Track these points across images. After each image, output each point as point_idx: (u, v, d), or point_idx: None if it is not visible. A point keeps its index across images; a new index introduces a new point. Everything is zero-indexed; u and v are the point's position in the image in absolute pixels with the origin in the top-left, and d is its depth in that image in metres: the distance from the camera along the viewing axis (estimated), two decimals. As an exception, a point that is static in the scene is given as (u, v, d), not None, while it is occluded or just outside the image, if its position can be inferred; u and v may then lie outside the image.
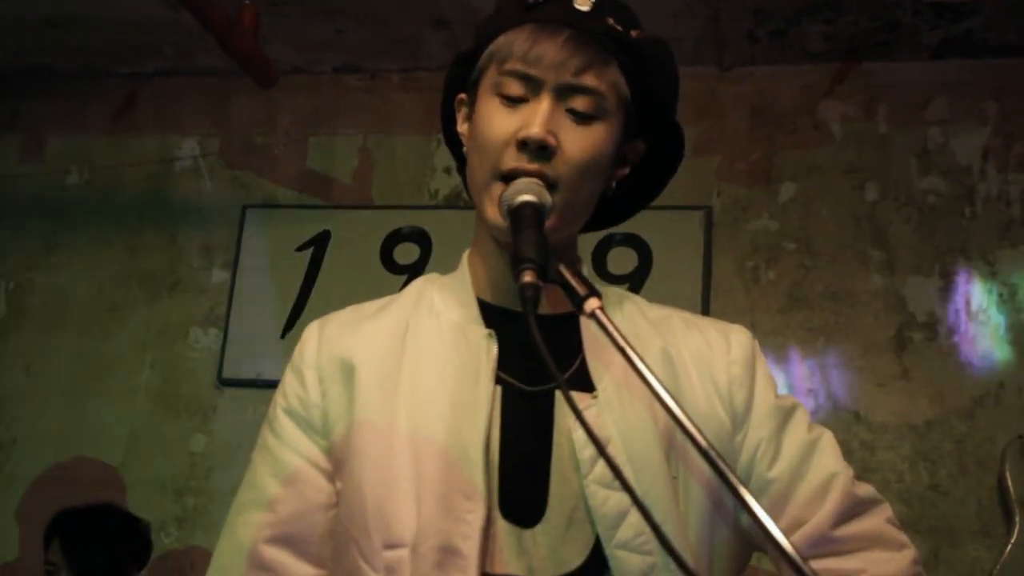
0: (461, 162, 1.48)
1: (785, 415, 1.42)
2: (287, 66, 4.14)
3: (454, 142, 1.49)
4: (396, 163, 4.13)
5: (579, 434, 1.29)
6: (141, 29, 4.05)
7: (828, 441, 1.42)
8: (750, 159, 3.90)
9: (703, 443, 1.04)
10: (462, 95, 1.45)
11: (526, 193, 1.28)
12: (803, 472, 1.38)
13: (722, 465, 1.02)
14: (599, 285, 1.42)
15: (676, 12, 3.69)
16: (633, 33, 1.37)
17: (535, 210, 1.27)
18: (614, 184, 1.42)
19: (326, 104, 4.29)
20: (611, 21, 1.36)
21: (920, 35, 3.73)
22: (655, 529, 1.04)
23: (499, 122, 1.33)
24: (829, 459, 1.40)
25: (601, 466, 1.27)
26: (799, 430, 1.42)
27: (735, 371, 1.41)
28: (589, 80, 1.32)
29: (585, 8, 1.35)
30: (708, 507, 1.33)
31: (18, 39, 4.19)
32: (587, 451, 1.28)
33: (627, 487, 1.06)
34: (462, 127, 1.44)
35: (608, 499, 1.27)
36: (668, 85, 1.43)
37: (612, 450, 1.27)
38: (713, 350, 1.43)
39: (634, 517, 1.26)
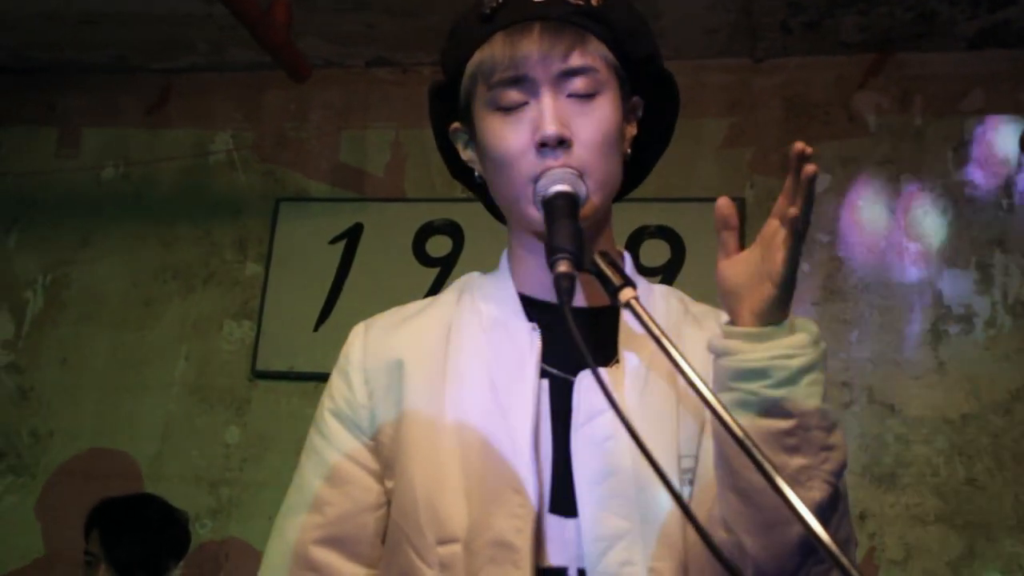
0: (472, 187, 1.48)
1: None
2: (319, 60, 4.15)
3: (459, 171, 1.49)
4: (428, 156, 4.13)
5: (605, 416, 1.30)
6: (175, 24, 4.07)
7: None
8: (783, 151, 3.87)
9: (738, 432, 1.03)
10: (455, 125, 1.45)
11: (560, 183, 1.28)
12: None
13: (755, 451, 1.02)
14: (643, 281, 1.43)
15: (709, 4, 3.67)
16: (593, 2, 1.37)
17: (569, 199, 1.27)
18: (629, 148, 1.42)
19: (358, 97, 4.30)
20: None
21: (956, 25, 3.69)
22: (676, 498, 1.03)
23: (509, 134, 1.33)
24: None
25: (597, 426, 1.29)
26: None
27: None
28: (577, 60, 1.32)
29: None
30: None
31: (54, 34, 4.23)
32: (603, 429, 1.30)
33: (653, 463, 1.05)
34: (465, 154, 1.45)
35: (593, 457, 1.28)
36: (646, 38, 1.44)
37: (622, 443, 1.27)
38: None
39: (615, 480, 1.27)
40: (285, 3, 3.51)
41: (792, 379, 1.14)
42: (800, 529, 1.13)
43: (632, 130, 1.43)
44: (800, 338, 1.17)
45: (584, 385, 1.32)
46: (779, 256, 1.15)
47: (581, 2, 1.36)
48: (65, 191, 4.42)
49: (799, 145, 1.11)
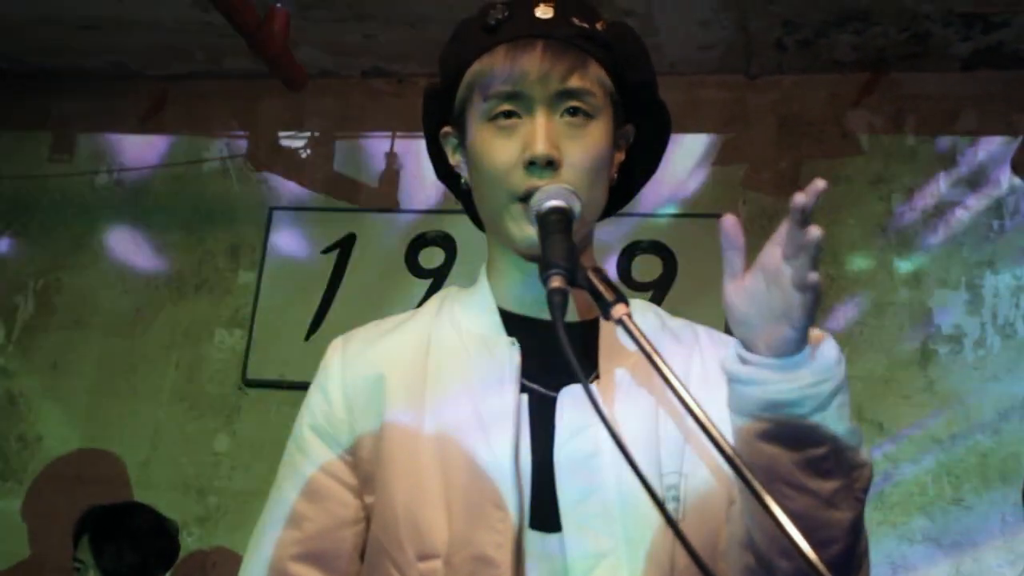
0: (457, 192, 1.48)
1: None
2: (316, 69, 4.16)
3: (446, 174, 1.49)
4: (422, 167, 4.12)
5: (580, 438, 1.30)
6: (172, 31, 4.07)
7: None
8: (777, 168, 3.89)
9: (726, 447, 1.03)
10: (446, 128, 1.45)
11: (556, 198, 1.28)
12: None
13: (740, 464, 1.02)
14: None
15: (704, 20, 3.69)
16: (598, 26, 1.38)
17: (564, 215, 1.27)
18: (615, 173, 1.42)
19: (354, 107, 4.31)
20: (576, 20, 1.36)
21: (950, 46, 3.71)
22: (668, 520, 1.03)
23: (499, 148, 1.33)
24: None
25: (578, 444, 1.29)
26: None
27: None
28: (575, 82, 1.32)
29: (549, 15, 1.35)
30: (711, 513, 1.32)
31: (50, 39, 4.23)
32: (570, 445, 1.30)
33: (640, 477, 1.05)
34: (454, 159, 1.44)
35: (576, 474, 1.28)
36: (645, 66, 1.43)
37: (606, 459, 1.27)
38: None
39: (597, 498, 1.26)
40: (282, 13, 3.52)
41: (823, 405, 1.12)
42: (840, 548, 1.13)
43: (620, 156, 1.43)
44: (826, 360, 1.13)
45: (567, 402, 1.32)
46: (797, 304, 1.09)
47: (586, 25, 1.36)
48: (58, 196, 4.42)
49: (799, 200, 1.09)
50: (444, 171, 1.50)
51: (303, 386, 1.46)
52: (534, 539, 1.27)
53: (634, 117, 1.44)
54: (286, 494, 1.40)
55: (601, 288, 1.20)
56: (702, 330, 1.48)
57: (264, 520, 1.42)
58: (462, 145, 1.41)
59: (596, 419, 1.10)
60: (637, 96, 1.42)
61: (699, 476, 1.31)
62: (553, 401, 1.33)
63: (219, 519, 3.87)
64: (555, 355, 1.13)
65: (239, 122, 4.40)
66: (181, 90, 4.47)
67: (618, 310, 1.18)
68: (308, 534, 1.37)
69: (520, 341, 1.37)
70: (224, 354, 4.08)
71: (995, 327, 3.59)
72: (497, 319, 1.40)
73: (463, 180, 1.43)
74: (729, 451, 1.03)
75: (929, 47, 3.73)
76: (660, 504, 1.03)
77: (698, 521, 1.29)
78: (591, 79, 1.34)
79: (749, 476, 1.01)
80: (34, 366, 4.22)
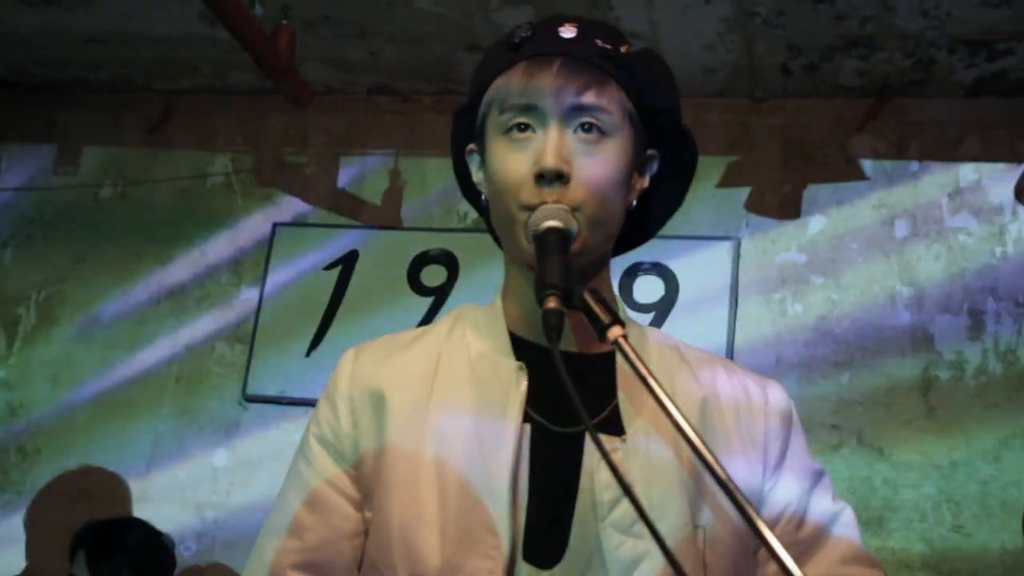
0: (481, 211, 1.48)
1: (814, 479, 1.42)
2: (321, 86, 4.17)
3: (472, 194, 1.49)
4: (426, 185, 4.15)
5: (601, 476, 1.28)
6: (178, 46, 4.09)
7: (851, 516, 1.43)
8: (780, 191, 3.89)
9: (732, 487, 1.03)
10: (471, 146, 1.45)
11: (552, 219, 1.27)
12: (825, 541, 1.39)
13: (749, 510, 1.01)
14: (635, 322, 1.42)
15: (710, 44, 3.70)
16: (623, 48, 1.38)
17: (561, 235, 1.26)
18: (635, 199, 1.41)
19: (358, 125, 4.32)
20: (599, 42, 1.36)
21: (954, 73, 3.72)
22: (675, 567, 1.03)
23: (512, 161, 1.33)
24: (852, 532, 1.41)
25: (620, 510, 1.27)
26: (825, 498, 1.42)
27: (772, 424, 1.41)
28: (590, 98, 1.32)
29: (572, 35, 1.36)
30: (734, 559, 1.32)
31: (57, 52, 4.25)
32: (607, 494, 1.27)
33: (651, 527, 1.05)
34: (477, 176, 1.44)
35: (623, 544, 1.26)
36: (667, 92, 1.43)
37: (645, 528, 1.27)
38: (751, 400, 1.42)
39: (648, 565, 1.25)
40: (288, 29, 3.53)
41: None
42: None
43: (642, 183, 1.42)
44: None
45: (602, 463, 1.28)
46: None
47: (609, 46, 1.36)
48: (62, 208, 4.42)
49: None
50: (470, 190, 1.50)
51: (303, 403, 1.47)
52: (527, 572, 1.26)
53: (659, 145, 1.44)
54: (290, 503, 1.41)
55: (597, 310, 1.20)
56: (720, 362, 1.48)
57: (268, 526, 1.43)
58: (484, 163, 1.41)
59: (611, 460, 1.10)
60: (659, 122, 1.41)
61: (720, 511, 1.31)
62: (559, 436, 1.32)
63: (216, 534, 3.86)
64: (562, 385, 1.12)
65: (244, 138, 4.41)
66: (186, 105, 4.49)
67: (614, 332, 1.17)
68: (308, 544, 1.37)
69: (531, 368, 1.36)
70: (224, 369, 4.08)
71: (997, 354, 3.58)
72: (506, 342, 1.39)
73: (483, 197, 1.43)
74: (722, 475, 1.03)
75: (933, 74, 3.74)
76: (657, 536, 1.02)
77: (722, 558, 1.30)
78: (607, 97, 1.33)
79: (751, 513, 1.01)
80: (34, 378, 4.21)
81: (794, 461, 1.41)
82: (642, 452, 1.31)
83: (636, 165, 1.39)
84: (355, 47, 3.99)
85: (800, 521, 1.38)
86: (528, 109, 1.32)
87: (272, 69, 3.54)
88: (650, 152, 1.43)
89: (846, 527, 1.41)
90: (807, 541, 1.37)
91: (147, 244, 4.30)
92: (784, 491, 1.38)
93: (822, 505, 1.40)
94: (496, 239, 1.48)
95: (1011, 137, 3.78)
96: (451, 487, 1.29)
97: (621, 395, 1.35)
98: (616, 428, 1.32)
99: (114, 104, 4.52)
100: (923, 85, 3.81)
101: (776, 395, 1.44)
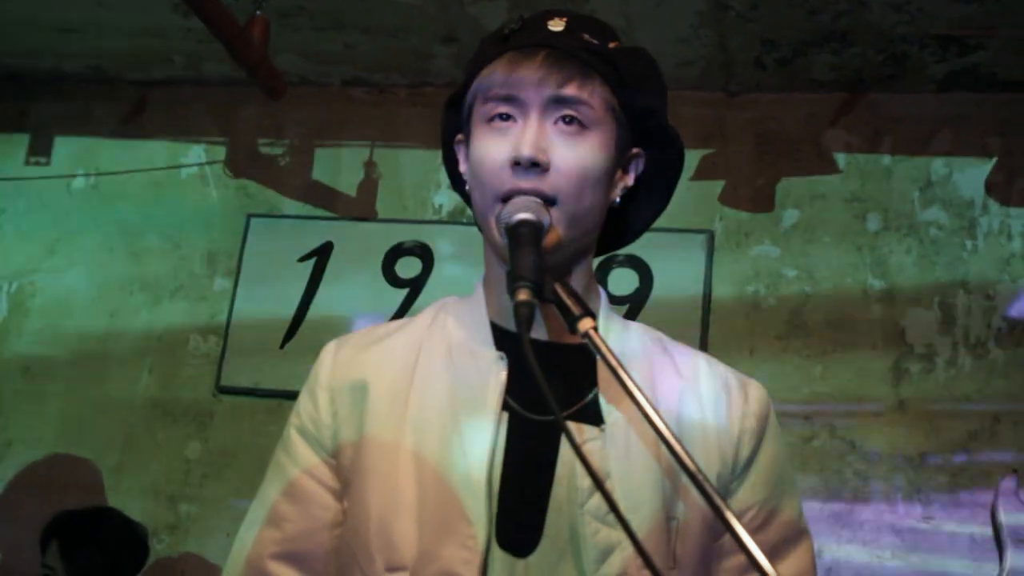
0: (468, 200, 1.48)
1: (784, 489, 1.43)
2: (295, 77, 4.16)
3: (461, 186, 1.49)
4: (401, 177, 4.14)
5: (579, 463, 1.29)
6: (152, 36, 4.06)
7: (809, 542, 1.45)
8: (754, 185, 3.91)
9: (701, 478, 1.04)
10: (459, 136, 1.46)
11: (523, 211, 1.28)
12: (782, 552, 1.40)
13: (718, 500, 1.02)
14: (619, 318, 1.43)
15: (684, 37, 3.71)
16: (611, 45, 1.39)
17: (532, 228, 1.27)
18: (618, 197, 1.41)
19: (333, 116, 4.31)
20: (587, 36, 1.37)
21: (926, 68, 3.74)
22: (644, 557, 1.04)
23: (492, 148, 1.33)
24: (808, 557, 1.43)
25: (597, 497, 1.27)
26: (792, 512, 1.44)
27: (748, 423, 1.41)
28: (571, 90, 1.33)
29: (559, 28, 1.37)
30: (704, 552, 1.33)
31: (29, 41, 4.21)
32: (586, 480, 1.28)
33: (621, 519, 1.06)
34: (463, 166, 1.45)
35: (598, 532, 1.27)
36: (653, 90, 1.44)
37: (609, 486, 1.27)
38: (731, 396, 1.43)
39: (619, 555, 1.26)
40: (262, 20, 3.51)
41: None
42: None
43: (627, 180, 1.43)
44: None
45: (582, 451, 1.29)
46: None
47: (595, 41, 1.37)
48: (34, 199, 4.40)
49: None
50: (457, 181, 1.50)
51: (277, 394, 1.47)
52: (502, 560, 1.27)
53: (646, 145, 1.44)
54: (270, 493, 1.42)
55: (569, 302, 1.20)
56: (703, 358, 1.49)
57: (249, 517, 1.44)
58: (468, 152, 1.42)
59: (582, 452, 1.11)
60: (644, 120, 1.42)
61: (691, 504, 1.32)
62: (536, 424, 1.33)
63: (189, 526, 3.85)
64: (547, 377, 1.13)
65: (218, 128, 4.39)
66: (160, 95, 4.46)
67: (584, 324, 1.18)
68: (288, 535, 1.38)
69: (513, 360, 1.36)
70: (198, 360, 4.06)
71: (967, 346, 3.61)
72: (487, 333, 1.40)
73: (467, 187, 1.43)
74: (691, 467, 1.03)
75: (906, 68, 3.76)
76: (627, 528, 1.03)
77: (692, 550, 1.31)
78: (589, 90, 1.34)
79: (720, 505, 1.01)
80: (6, 369, 4.19)
81: (763, 466, 1.41)
82: (621, 442, 1.31)
83: (620, 161, 1.40)
84: (330, 38, 3.97)
85: (759, 527, 1.39)
86: (510, 99, 1.33)
87: (246, 60, 3.52)
88: (635, 150, 1.43)
89: (803, 548, 1.43)
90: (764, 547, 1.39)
91: (120, 235, 4.28)
92: (748, 497, 1.39)
93: (788, 519, 1.42)
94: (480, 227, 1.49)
95: (982, 131, 3.81)
96: (428, 476, 1.30)
97: (601, 385, 1.36)
98: (595, 418, 1.33)
99: (87, 94, 4.50)
100: (896, 80, 3.83)
101: (756, 395, 1.45)
